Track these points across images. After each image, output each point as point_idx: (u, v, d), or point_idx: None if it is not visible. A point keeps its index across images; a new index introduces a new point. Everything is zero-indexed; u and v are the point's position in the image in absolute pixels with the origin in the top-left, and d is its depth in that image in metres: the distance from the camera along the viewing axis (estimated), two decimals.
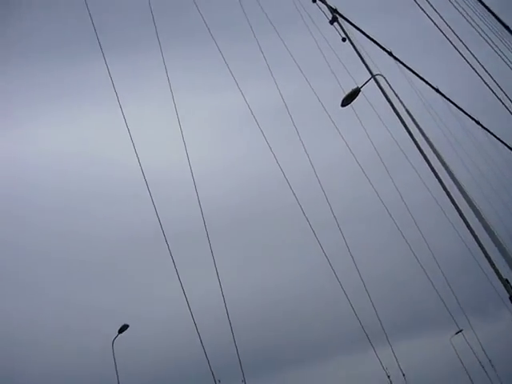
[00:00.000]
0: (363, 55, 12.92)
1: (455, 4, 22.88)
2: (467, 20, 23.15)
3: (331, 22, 14.52)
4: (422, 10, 20.21)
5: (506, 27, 25.53)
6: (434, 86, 20.86)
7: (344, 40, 13.74)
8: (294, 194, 13.21)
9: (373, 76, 12.32)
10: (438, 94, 20.85)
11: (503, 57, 24.17)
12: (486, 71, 21.72)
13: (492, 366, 27.48)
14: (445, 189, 11.15)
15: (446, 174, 11.49)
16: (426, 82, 20.59)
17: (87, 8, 15.93)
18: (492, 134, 24.81)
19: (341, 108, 13.52)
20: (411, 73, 19.13)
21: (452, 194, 11.06)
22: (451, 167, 11.56)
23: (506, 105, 23.32)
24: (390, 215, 17.53)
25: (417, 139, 12.30)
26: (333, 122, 18.67)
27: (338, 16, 14.44)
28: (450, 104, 21.21)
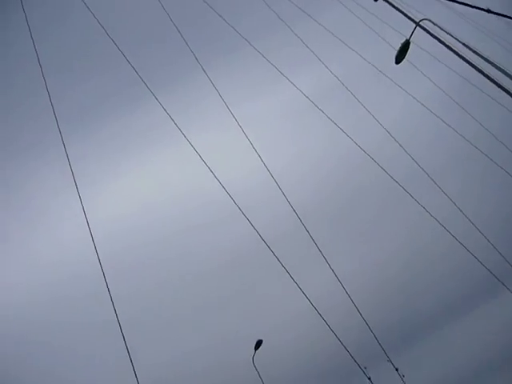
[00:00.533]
0: (400, 7, 12.50)
1: None
2: None
3: None
4: None
5: None
6: (484, 8, 19.67)
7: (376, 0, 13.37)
8: (380, 166, 13.03)
9: (417, 23, 11.85)
10: (491, 15, 19.64)
11: None
12: None
13: None
14: None
15: None
16: (474, 7, 19.48)
17: (124, 57, 16.68)
18: None
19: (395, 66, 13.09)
20: (455, 3, 18.20)
21: None
22: None
23: None
24: (481, 151, 16.80)
25: (482, 68, 11.79)
26: (391, 79, 18.21)
27: None
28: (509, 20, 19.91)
